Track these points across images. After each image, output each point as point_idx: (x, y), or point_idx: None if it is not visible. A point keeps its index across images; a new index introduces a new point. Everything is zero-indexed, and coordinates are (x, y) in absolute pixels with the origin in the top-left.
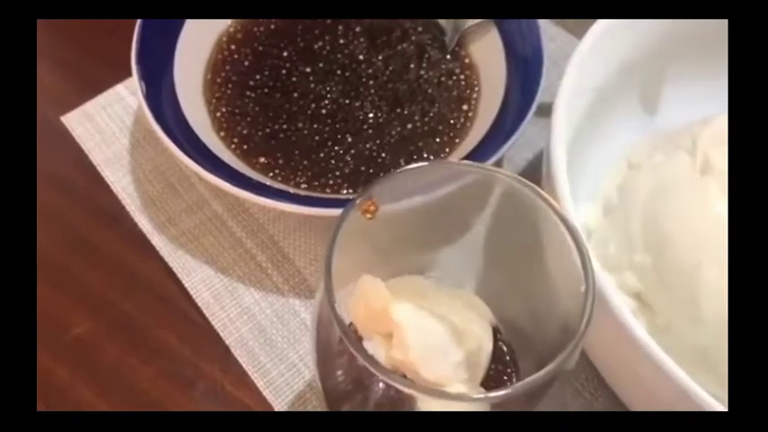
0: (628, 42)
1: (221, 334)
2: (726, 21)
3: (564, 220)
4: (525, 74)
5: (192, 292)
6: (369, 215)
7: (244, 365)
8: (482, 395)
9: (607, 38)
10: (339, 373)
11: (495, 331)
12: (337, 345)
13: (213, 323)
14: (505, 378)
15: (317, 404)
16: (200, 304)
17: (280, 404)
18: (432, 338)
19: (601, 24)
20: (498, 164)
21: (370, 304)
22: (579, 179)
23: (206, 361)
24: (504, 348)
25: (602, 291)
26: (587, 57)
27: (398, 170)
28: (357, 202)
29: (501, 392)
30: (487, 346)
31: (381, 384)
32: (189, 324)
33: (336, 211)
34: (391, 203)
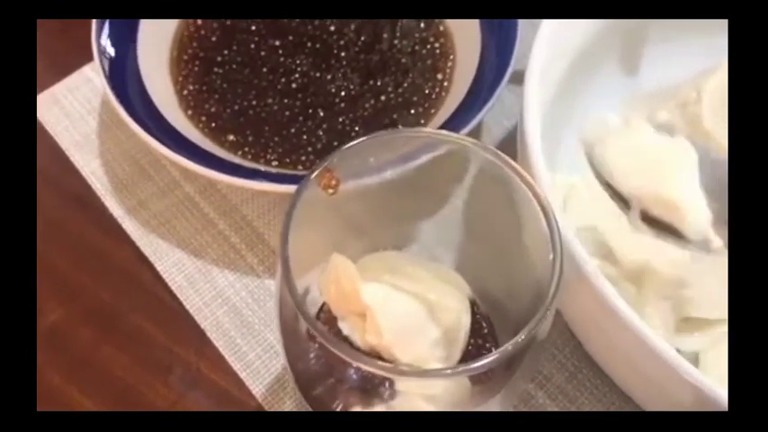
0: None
1: (196, 318)
2: None
3: (531, 187)
4: (500, 39)
5: (164, 277)
6: (330, 190)
7: (220, 349)
8: (458, 368)
9: None
10: (311, 356)
11: (473, 305)
12: (305, 332)
13: (187, 307)
14: (484, 353)
15: (295, 386)
16: (173, 288)
17: (257, 387)
18: (406, 319)
19: None
20: (476, 133)
21: (340, 285)
22: (564, 147)
23: (181, 346)
24: (483, 323)
25: (575, 257)
26: (559, 26)
27: (356, 141)
28: (313, 176)
29: (477, 364)
30: (465, 320)
31: (355, 368)
32: (163, 309)
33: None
34: (360, 177)
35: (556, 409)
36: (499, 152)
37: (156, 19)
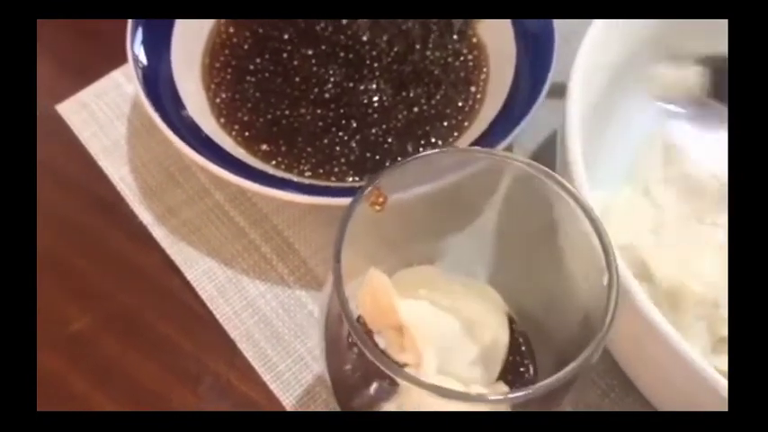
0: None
1: (226, 327)
2: None
3: (583, 208)
4: (536, 53)
5: (194, 285)
6: (378, 207)
7: (250, 359)
8: (501, 396)
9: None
10: (348, 366)
11: (510, 321)
12: (346, 338)
13: (217, 316)
14: (522, 370)
15: (326, 398)
16: (203, 297)
17: (288, 398)
18: (444, 337)
19: None
20: (508, 148)
21: (377, 300)
22: (603, 162)
23: (211, 355)
24: (520, 339)
25: (625, 285)
26: (603, 31)
27: (406, 159)
28: (365, 194)
29: (520, 393)
30: (504, 337)
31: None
32: (192, 318)
33: (342, 201)
34: (399, 192)
35: None
36: (548, 170)
37: (188, 23)
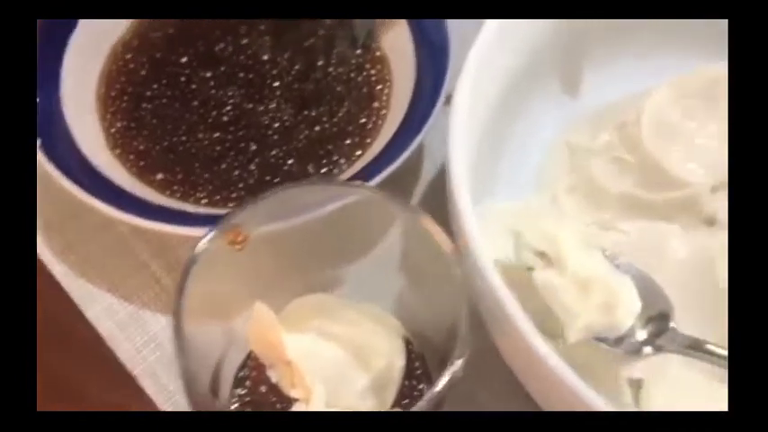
0: (536, 23)
1: (127, 365)
2: None
3: (436, 234)
4: (433, 60)
5: (94, 323)
6: (237, 246)
7: (152, 396)
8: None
9: (511, 22)
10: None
11: (408, 344)
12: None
13: (118, 354)
14: (416, 394)
15: None
16: (103, 335)
17: None
18: (332, 369)
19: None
20: (418, 158)
21: (264, 335)
22: (510, 169)
23: (112, 393)
24: (416, 363)
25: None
26: (496, 34)
27: (264, 195)
28: (210, 237)
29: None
30: (399, 363)
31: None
32: (93, 356)
33: None
34: (279, 222)
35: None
36: (394, 197)
37: (82, 48)
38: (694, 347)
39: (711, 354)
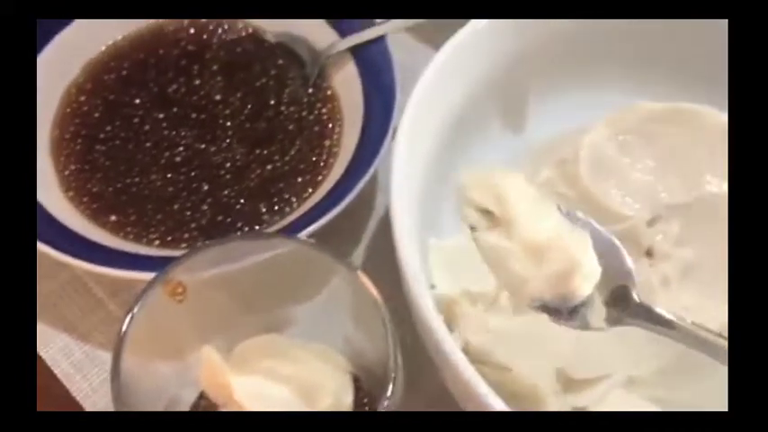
0: (480, 60)
1: (83, 405)
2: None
3: (363, 285)
4: (382, 98)
5: (50, 364)
6: (178, 297)
7: None
8: None
9: (455, 60)
10: None
11: (356, 381)
12: None
13: (74, 394)
14: None
15: None
16: (59, 375)
17: None
18: (281, 409)
19: (448, 47)
20: (371, 190)
21: (213, 377)
22: (448, 206)
23: None
24: (365, 399)
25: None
26: (435, 83)
27: (198, 249)
28: (149, 290)
29: None
30: (346, 400)
31: None
32: (49, 397)
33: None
34: (222, 267)
35: None
36: (335, 253)
37: (37, 95)
38: (655, 321)
39: (672, 327)
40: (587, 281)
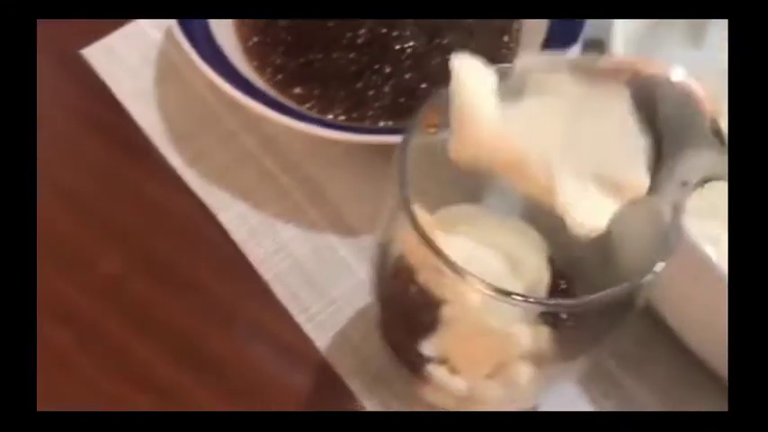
0: None
1: (259, 270)
2: None
3: None
4: None
5: (227, 228)
6: (432, 129)
7: (283, 302)
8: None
9: None
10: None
11: (550, 262)
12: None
13: (250, 259)
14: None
15: (358, 342)
16: (236, 240)
17: (321, 340)
18: (488, 273)
19: None
20: None
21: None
22: None
23: (243, 298)
24: (559, 280)
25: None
26: None
27: None
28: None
29: (572, 302)
30: (546, 277)
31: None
32: (225, 261)
33: (380, 138)
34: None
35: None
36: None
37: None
38: None
39: None
40: None
